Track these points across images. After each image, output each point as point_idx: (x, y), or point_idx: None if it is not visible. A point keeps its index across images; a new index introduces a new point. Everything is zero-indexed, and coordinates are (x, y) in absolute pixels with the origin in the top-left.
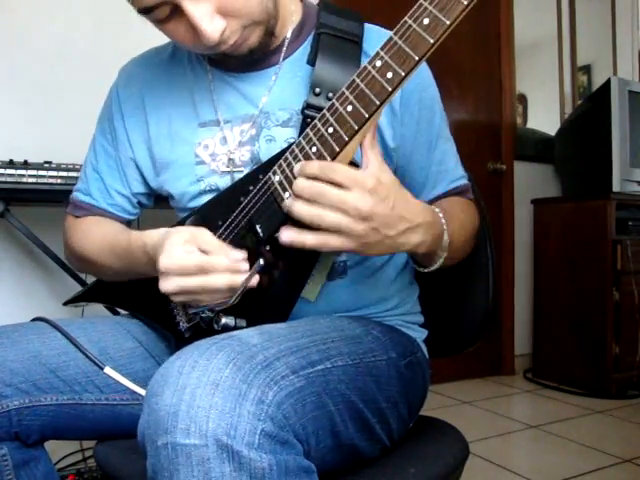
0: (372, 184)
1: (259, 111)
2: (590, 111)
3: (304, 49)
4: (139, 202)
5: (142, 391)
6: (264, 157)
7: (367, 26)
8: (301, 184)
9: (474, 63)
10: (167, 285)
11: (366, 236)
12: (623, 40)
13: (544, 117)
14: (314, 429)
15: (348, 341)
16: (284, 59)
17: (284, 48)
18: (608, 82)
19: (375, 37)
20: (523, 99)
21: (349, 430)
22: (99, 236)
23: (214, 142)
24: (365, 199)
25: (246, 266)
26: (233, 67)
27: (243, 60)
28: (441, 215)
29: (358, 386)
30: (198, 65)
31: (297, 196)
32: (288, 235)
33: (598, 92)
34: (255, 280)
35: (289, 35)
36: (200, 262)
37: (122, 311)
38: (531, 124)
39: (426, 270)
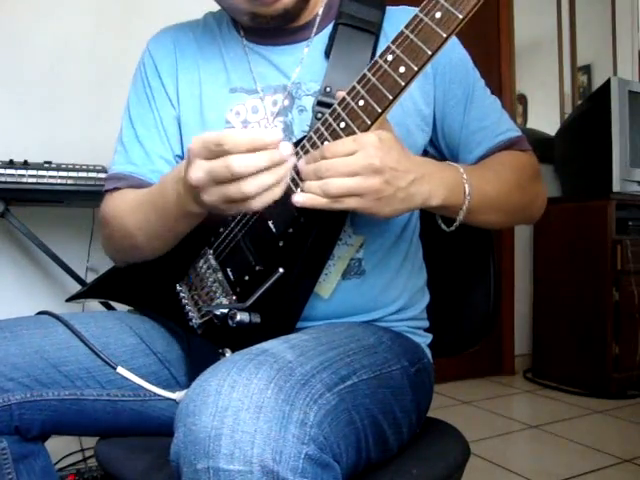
0: (373, 140)
1: (291, 82)
2: (590, 111)
3: (328, 31)
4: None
5: (156, 389)
6: (297, 127)
7: (390, 9)
8: (306, 168)
9: (474, 63)
10: (195, 171)
11: (380, 190)
12: (623, 40)
13: (544, 117)
14: (345, 447)
15: (366, 352)
16: (315, 34)
17: (316, 23)
18: (608, 82)
19: (396, 19)
20: (523, 99)
21: (369, 444)
22: (132, 198)
23: (245, 109)
24: (372, 154)
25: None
26: (267, 39)
27: (275, 31)
28: (457, 165)
29: (379, 399)
30: (231, 36)
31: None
32: (301, 197)
33: (598, 92)
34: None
35: (320, 12)
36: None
37: (119, 307)
38: (531, 124)
39: (452, 227)
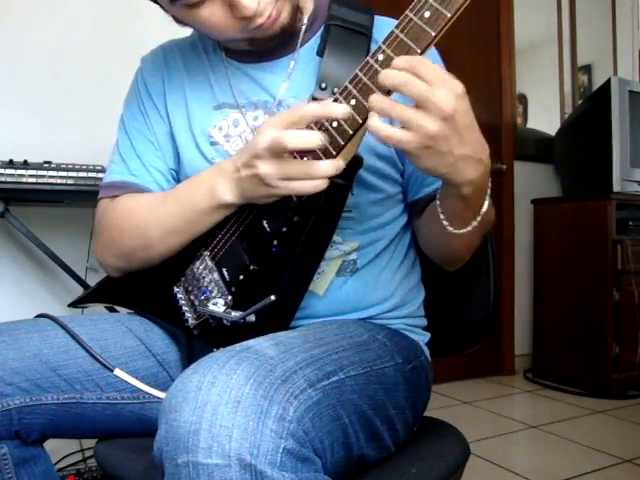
0: (461, 90)
1: (274, 99)
2: (590, 111)
3: (316, 39)
4: (173, 177)
5: (153, 390)
6: None
7: (378, 18)
8: (387, 72)
9: (474, 63)
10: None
11: (434, 139)
12: (623, 40)
13: (544, 117)
14: (330, 442)
15: (357, 349)
16: (301, 46)
17: (301, 35)
18: (608, 82)
19: (386, 28)
20: (523, 99)
21: (360, 440)
22: (147, 197)
23: (227, 124)
24: (451, 100)
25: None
26: (249, 58)
27: (259, 50)
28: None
29: (369, 395)
30: (214, 54)
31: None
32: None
33: (598, 92)
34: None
35: (305, 21)
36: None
37: (122, 310)
38: (531, 124)
39: (458, 231)
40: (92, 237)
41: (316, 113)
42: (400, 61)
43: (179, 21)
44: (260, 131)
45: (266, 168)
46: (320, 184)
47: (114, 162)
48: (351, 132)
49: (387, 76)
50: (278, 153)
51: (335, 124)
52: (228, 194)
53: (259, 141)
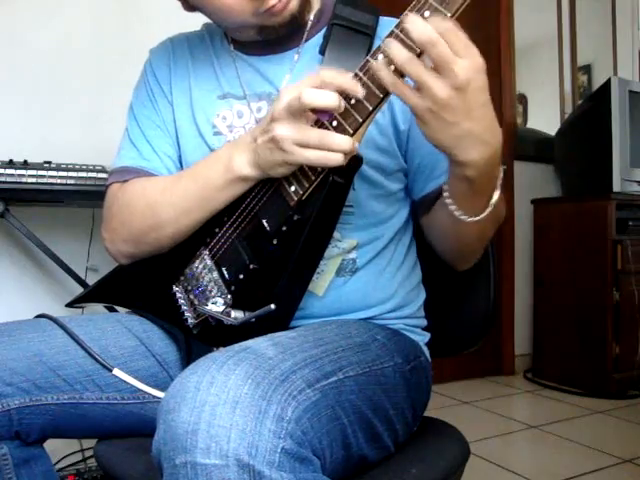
0: (482, 65)
1: (279, 90)
2: (590, 111)
3: (320, 37)
4: (182, 164)
5: (152, 390)
6: None
7: (383, 18)
8: (419, 25)
9: None
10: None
11: (441, 106)
12: (623, 40)
13: (544, 117)
14: (329, 442)
15: (356, 349)
16: (306, 41)
17: (306, 30)
18: (608, 82)
19: (390, 27)
20: (523, 99)
21: (359, 441)
22: (160, 178)
23: (232, 114)
24: (469, 72)
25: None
26: (255, 50)
27: (267, 40)
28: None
29: (368, 395)
30: (221, 46)
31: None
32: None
33: (598, 92)
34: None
35: (312, 17)
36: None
37: (121, 309)
38: (531, 124)
39: (470, 218)
40: (92, 237)
41: (341, 84)
42: (433, 23)
43: (189, 6)
44: (278, 97)
45: (282, 130)
46: (336, 158)
47: (124, 148)
48: (351, 131)
49: (418, 29)
50: (296, 112)
51: (335, 123)
52: (245, 166)
53: (277, 104)
